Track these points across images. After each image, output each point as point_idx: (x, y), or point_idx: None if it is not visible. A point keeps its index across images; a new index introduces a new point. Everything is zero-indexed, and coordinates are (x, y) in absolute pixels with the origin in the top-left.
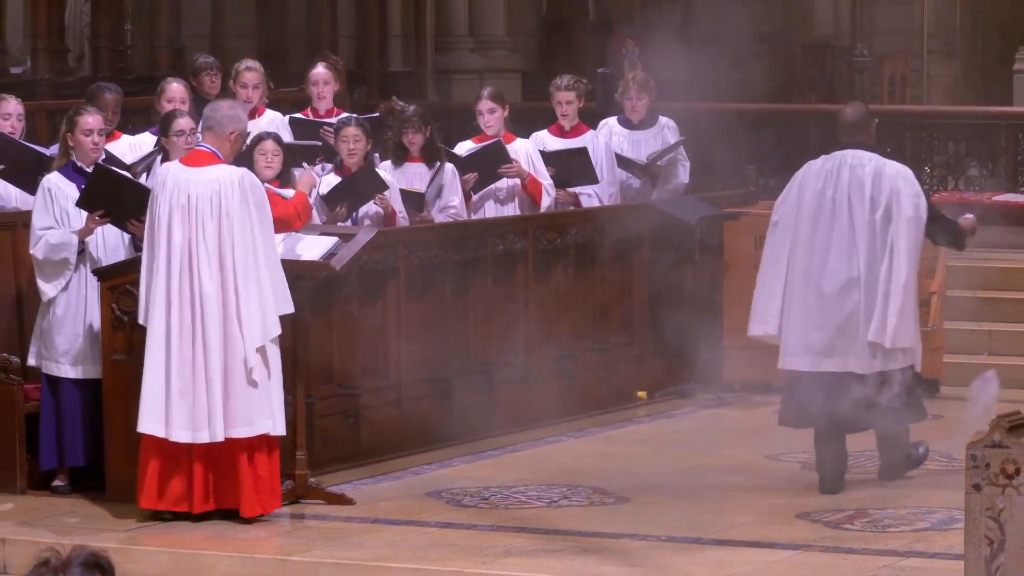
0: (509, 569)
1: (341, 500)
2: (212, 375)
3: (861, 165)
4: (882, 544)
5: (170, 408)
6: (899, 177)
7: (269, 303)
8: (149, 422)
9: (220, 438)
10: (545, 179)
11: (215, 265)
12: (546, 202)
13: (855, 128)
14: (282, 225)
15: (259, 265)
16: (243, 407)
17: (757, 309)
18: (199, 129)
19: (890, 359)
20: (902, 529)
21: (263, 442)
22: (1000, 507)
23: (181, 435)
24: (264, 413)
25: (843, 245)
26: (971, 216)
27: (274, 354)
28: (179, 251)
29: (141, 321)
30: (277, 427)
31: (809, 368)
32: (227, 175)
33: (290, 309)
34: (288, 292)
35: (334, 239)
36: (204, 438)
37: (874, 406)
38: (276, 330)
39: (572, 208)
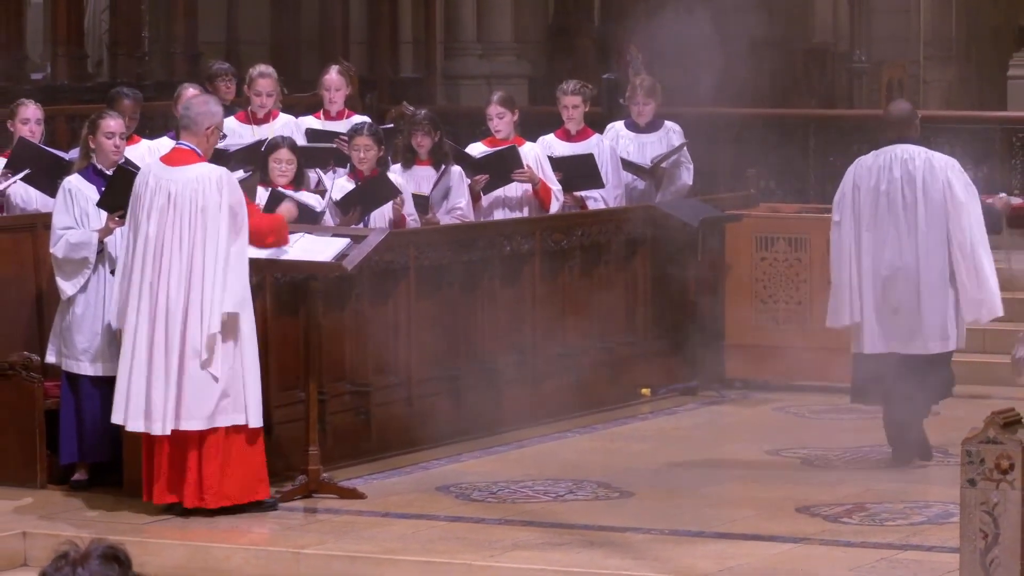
0: (516, 562)
1: (353, 494)
2: (170, 367)
3: (912, 159)
4: (879, 537)
5: (130, 398)
6: (948, 168)
7: (217, 298)
8: (116, 414)
9: (167, 431)
10: (554, 184)
11: (184, 261)
12: (555, 207)
13: (902, 124)
14: (253, 237)
15: (225, 263)
16: (199, 400)
17: (832, 303)
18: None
19: (953, 340)
20: (899, 523)
21: (240, 433)
22: (994, 502)
23: (137, 424)
24: (228, 407)
25: (899, 235)
26: (1004, 195)
27: (250, 348)
28: (153, 247)
29: (115, 324)
30: (251, 419)
31: (876, 350)
32: (206, 174)
33: (232, 309)
34: (243, 293)
35: (346, 240)
36: (157, 429)
37: (929, 386)
38: (216, 327)
39: (578, 210)
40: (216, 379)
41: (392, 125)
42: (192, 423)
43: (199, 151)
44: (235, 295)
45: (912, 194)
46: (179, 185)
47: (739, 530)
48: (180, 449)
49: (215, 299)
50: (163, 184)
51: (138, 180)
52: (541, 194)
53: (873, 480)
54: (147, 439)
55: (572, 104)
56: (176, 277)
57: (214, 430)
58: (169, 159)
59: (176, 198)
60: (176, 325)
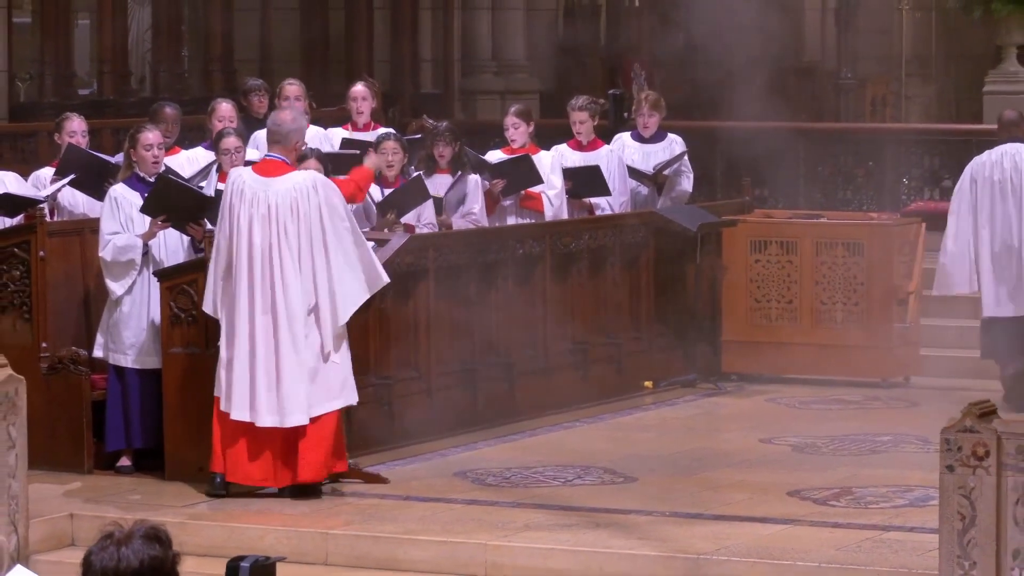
0: (528, 542)
1: (377, 479)
2: (295, 363)
3: (1019, 153)
4: (864, 519)
5: (256, 397)
6: None
7: (346, 290)
8: (239, 411)
9: (306, 421)
10: (551, 189)
11: (295, 263)
12: (549, 212)
13: (1012, 126)
14: (348, 201)
15: (336, 258)
16: (327, 387)
17: (941, 276)
18: (250, 143)
19: None
20: (883, 506)
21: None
22: (971, 486)
23: (267, 420)
24: (343, 389)
25: (1009, 218)
26: None
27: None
28: (260, 254)
29: (207, 310)
30: (351, 398)
31: (992, 314)
32: (302, 181)
33: (385, 281)
34: (379, 268)
35: (370, 244)
36: (292, 422)
37: None
38: (346, 317)
39: (587, 216)
40: (336, 367)
41: (420, 136)
42: (317, 409)
43: (288, 161)
44: (379, 272)
45: (1019, 182)
46: (278, 196)
47: (734, 512)
48: (293, 433)
49: (345, 292)
50: (261, 195)
51: (231, 190)
52: (530, 204)
53: (858, 466)
54: (259, 429)
55: (580, 120)
56: (291, 280)
57: (332, 412)
58: (262, 170)
59: (278, 208)
60: (298, 324)
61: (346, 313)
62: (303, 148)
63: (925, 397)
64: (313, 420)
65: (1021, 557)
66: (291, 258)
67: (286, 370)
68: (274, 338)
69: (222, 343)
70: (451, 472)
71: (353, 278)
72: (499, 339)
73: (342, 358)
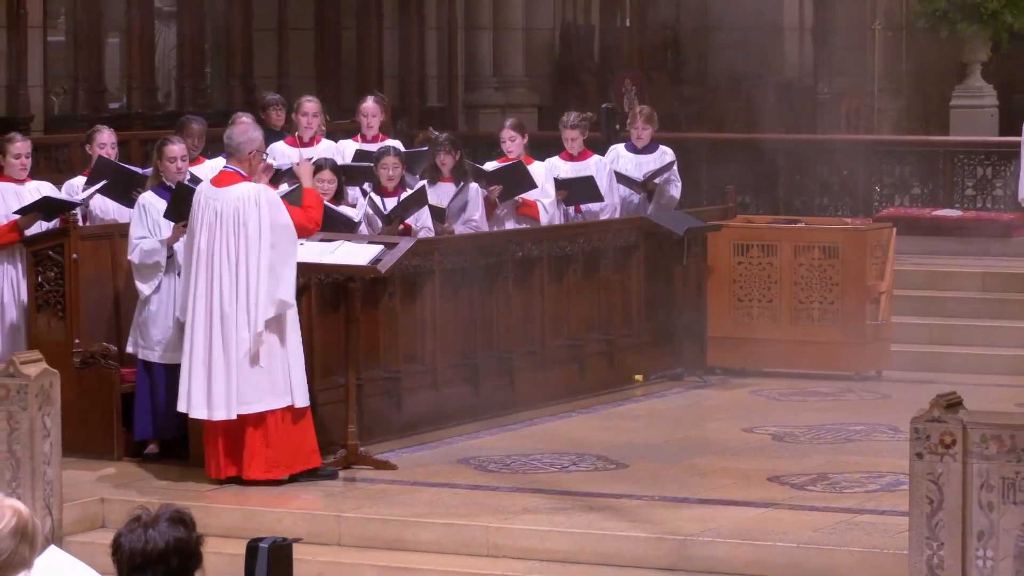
0: (527, 524)
1: (386, 466)
2: (228, 361)
3: None
4: (839, 503)
5: (192, 390)
6: None
7: (263, 300)
8: (182, 403)
9: (234, 416)
10: (546, 198)
11: (231, 269)
12: (544, 218)
13: None
14: (300, 232)
15: (263, 268)
16: (251, 388)
17: (1016, 186)
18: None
19: None
20: (856, 490)
21: (289, 412)
22: (939, 472)
23: (200, 413)
24: (278, 391)
25: None
26: None
27: (294, 339)
28: (204, 258)
29: (179, 316)
30: (297, 400)
31: None
32: (246, 193)
33: (292, 305)
34: (291, 286)
35: (380, 247)
36: (219, 416)
37: None
38: (262, 326)
39: (581, 220)
40: (264, 369)
41: (426, 148)
42: (246, 408)
43: (243, 172)
44: (280, 295)
45: None
46: (223, 204)
47: (718, 497)
48: (239, 430)
49: (261, 302)
50: (211, 203)
51: (195, 200)
52: (526, 211)
53: (834, 453)
54: (208, 423)
55: (571, 137)
56: (227, 283)
57: (269, 412)
58: (217, 180)
59: (222, 215)
60: (230, 325)
61: (261, 319)
62: (262, 158)
63: (896, 389)
64: (249, 420)
65: (985, 538)
66: (228, 263)
67: (216, 369)
68: (208, 338)
69: None
70: (455, 459)
71: (276, 290)
72: (500, 335)
73: (270, 362)
